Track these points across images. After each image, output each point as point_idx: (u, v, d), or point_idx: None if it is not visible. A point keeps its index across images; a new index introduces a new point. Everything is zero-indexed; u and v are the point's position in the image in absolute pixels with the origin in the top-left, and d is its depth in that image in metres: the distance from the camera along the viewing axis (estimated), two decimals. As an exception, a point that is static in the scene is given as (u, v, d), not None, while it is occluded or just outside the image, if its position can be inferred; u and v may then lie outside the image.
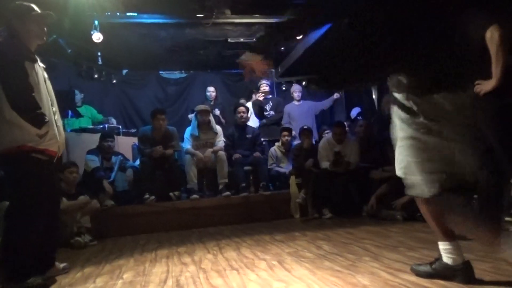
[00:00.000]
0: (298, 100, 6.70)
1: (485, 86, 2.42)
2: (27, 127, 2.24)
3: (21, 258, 2.24)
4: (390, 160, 4.61)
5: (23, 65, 2.26)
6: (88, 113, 6.36)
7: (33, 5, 2.40)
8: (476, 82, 2.43)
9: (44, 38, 2.45)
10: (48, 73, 2.53)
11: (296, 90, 6.82)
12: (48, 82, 2.47)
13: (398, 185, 4.26)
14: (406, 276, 1.85)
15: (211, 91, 6.51)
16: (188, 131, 5.30)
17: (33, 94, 2.27)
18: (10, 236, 2.23)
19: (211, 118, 5.32)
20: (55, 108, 2.46)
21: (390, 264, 2.11)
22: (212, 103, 6.30)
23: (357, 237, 3.12)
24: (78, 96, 6.20)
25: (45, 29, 2.44)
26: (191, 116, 6.32)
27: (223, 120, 6.30)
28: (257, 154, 5.31)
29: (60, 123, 2.52)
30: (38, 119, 2.27)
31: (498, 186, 2.50)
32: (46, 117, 2.31)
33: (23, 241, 2.25)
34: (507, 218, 2.99)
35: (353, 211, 4.52)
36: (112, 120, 6.51)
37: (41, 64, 2.45)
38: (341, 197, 4.60)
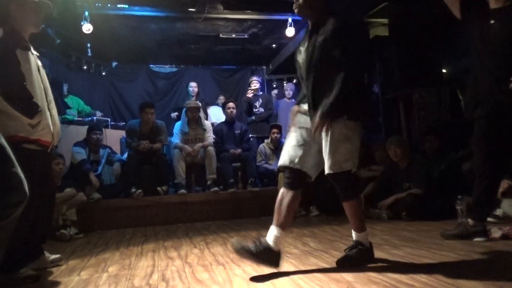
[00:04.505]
0: (289, 98, 6.76)
1: None
2: (19, 117, 2.20)
3: (11, 249, 2.22)
4: (376, 160, 4.68)
5: (15, 53, 2.21)
6: (75, 103, 6.28)
7: None
8: None
9: (39, 26, 2.42)
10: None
11: (288, 88, 6.89)
12: (42, 71, 2.43)
13: (385, 184, 4.34)
14: (390, 273, 1.88)
15: (193, 86, 6.53)
16: (177, 126, 5.28)
17: (25, 83, 2.22)
18: None
19: (201, 114, 5.31)
20: (50, 97, 2.43)
21: (374, 262, 2.14)
22: (193, 98, 6.27)
23: (343, 234, 3.16)
24: (64, 87, 6.12)
25: (41, 18, 2.42)
26: (173, 114, 6.31)
27: (204, 115, 6.29)
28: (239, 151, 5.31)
29: (55, 112, 2.47)
30: (30, 109, 2.22)
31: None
32: (39, 107, 2.26)
33: (13, 232, 2.22)
34: (489, 219, 3.07)
35: (339, 209, 4.53)
36: (98, 113, 6.45)
37: (34, 52, 2.41)
38: (328, 195, 4.63)
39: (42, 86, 2.36)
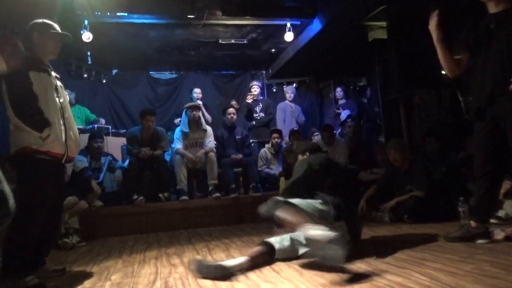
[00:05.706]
0: (290, 101, 6.82)
1: None
2: (31, 131, 2.39)
3: (19, 256, 2.26)
4: (378, 162, 4.68)
5: (27, 74, 2.41)
6: (82, 113, 6.29)
7: (55, 24, 2.62)
8: None
9: (57, 54, 2.67)
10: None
11: (288, 91, 6.95)
12: (61, 90, 2.63)
13: (386, 187, 4.33)
14: (392, 277, 1.88)
15: (197, 92, 6.58)
16: (178, 130, 5.29)
17: (37, 101, 2.41)
18: (11, 232, 2.24)
19: (201, 115, 5.32)
20: (67, 114, 2.62)
21: (376, 265, 2.14)
22: None
23: (345, 238, 3.14)
24: (71, 96, 6.13)
25: (59, 47, 2.67)
26: (177, 120, 6.33)
27: (208, 117, 6.29)
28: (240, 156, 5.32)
29: (73, 126, 2.65)
30: (40, 124, 2.41)
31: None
32: (49, 122, 2.43)
33: (22, 239, 2.27)
34: (492, 221, 3.06)
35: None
36: (102, 120, 6.46)
37: (54, 74, 2.63)
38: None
39: (58, 104, 2.55)
